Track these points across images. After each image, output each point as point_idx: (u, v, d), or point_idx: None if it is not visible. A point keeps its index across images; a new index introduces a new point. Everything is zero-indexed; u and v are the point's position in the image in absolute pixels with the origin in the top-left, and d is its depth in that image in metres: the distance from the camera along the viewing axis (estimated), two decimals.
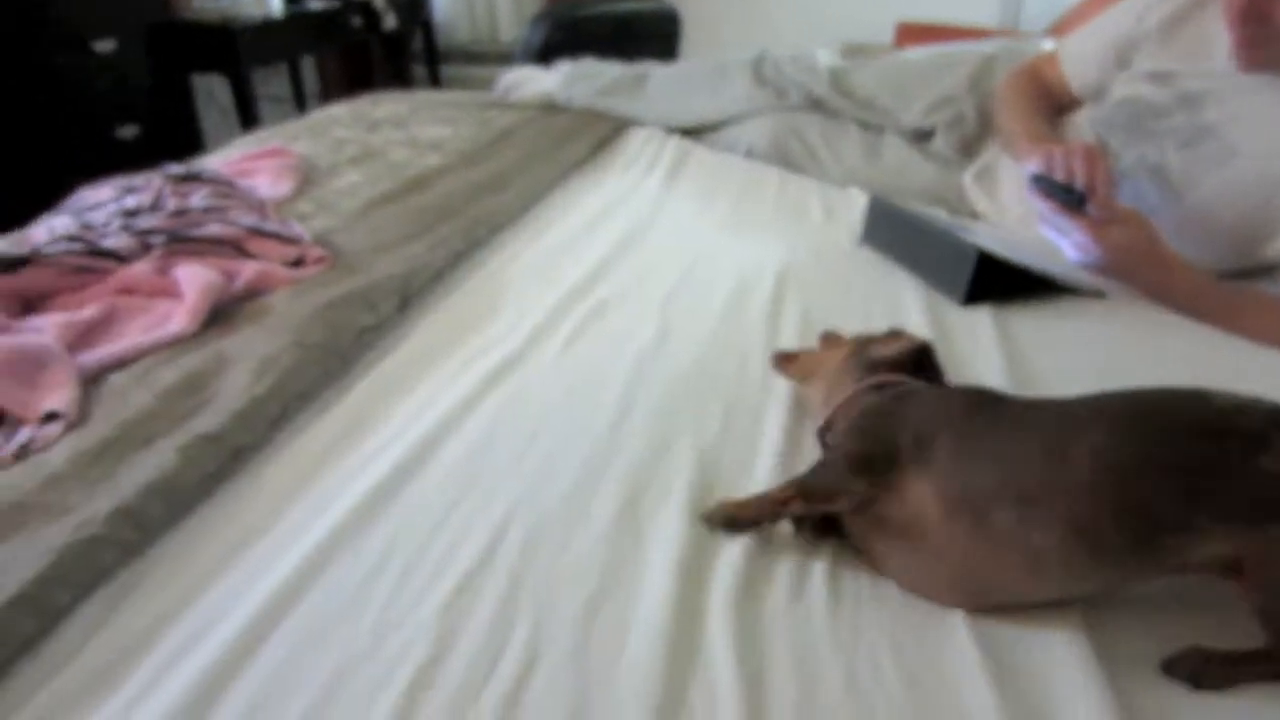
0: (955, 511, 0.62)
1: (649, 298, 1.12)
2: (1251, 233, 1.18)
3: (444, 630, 0.63)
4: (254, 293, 1.06)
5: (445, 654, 0.61)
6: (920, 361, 0.80)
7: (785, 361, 0.91)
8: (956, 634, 0.62)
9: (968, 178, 1.57)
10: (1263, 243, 1.18)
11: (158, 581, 0.68)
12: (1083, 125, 1.41)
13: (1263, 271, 1.23)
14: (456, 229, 1.26)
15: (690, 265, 1.22)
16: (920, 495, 0.64)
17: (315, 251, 1.14)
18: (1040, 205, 1.18)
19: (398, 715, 0.56)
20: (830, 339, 0.91)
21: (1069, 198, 1.13)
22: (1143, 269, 1.16)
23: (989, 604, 0.63)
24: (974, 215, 1.56)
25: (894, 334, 0.86)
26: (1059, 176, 1.18)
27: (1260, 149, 1.15)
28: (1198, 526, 0.56)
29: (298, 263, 1.13)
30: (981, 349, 1.03)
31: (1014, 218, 1.49)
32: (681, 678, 0.59)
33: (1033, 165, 1.21)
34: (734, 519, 0.71)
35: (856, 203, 1.47)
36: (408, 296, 1.09)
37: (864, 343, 0.84)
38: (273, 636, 0.63)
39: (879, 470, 0.66)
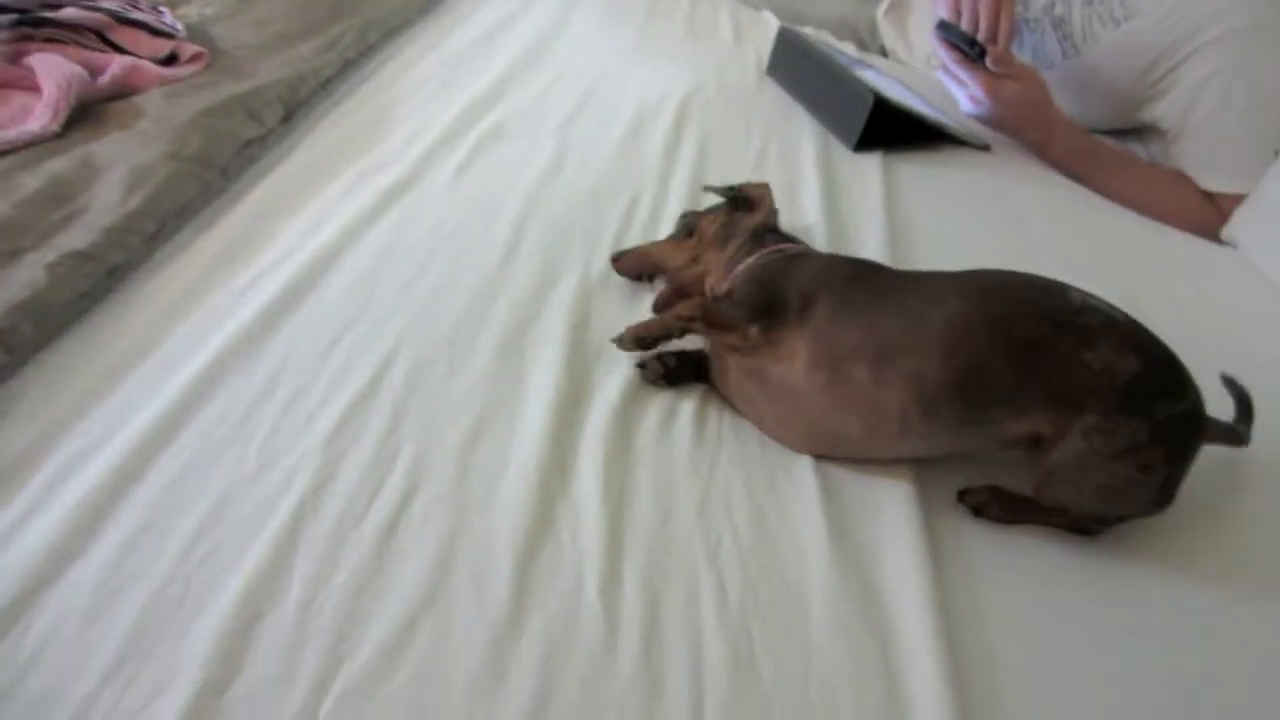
0: (819, 365, 0.67)
1: (548, 121, 1.10)
2: (1134, 95, 1.23)
3: (329, 458, 0.66)
4: (122, 92, 0.99)
5: (329, 482, 0.64)
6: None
7: (621, 259, 0.86)
8: (803, 475, 0.68)
9: (880, 11, 1.55)
10: (1141, 106, 1.23)
11: (31, 406, 0.67)
12: None
13: (1137, 133, 1.29)
14: (349, 30, 1.18)
15: (592, 87, 1.19)
16: (793, 349, 0.69)
17: (191, 48, 1.07)
18: (942, 53, 1.19)
19: (283, 540, 0.59)
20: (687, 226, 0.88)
21: (969, 50, 1.15)
22: (1030, 125, 1.20)
23: (836, 455, 0.70)
24: (883, 51, 1.56)
25: (754, 195, 0.87)
26: (965, 19, 1.18)
27: (1155, 15, 1.17)
28: (1022, 401, 0.62)
29: (171, 59, 1.05)
30: (866, 196, 1.06)
31: (920, 58, 1.50)
32: (550, 505, 0.64)
33: (942, 6, 1.21)
34: (642, 337, 0.75)
35: (768, 28, 1.44)
36: (293, 106, 1.04)
37: (733, 204, 0.86)
38: (159, 459, 0.64)
39: (773, 316, 0.70)
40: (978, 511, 0.67)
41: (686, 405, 0.74)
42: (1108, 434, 0.61)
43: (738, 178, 1.03)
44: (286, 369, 0.73)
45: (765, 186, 0.88)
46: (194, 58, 1.06)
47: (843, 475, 0.69)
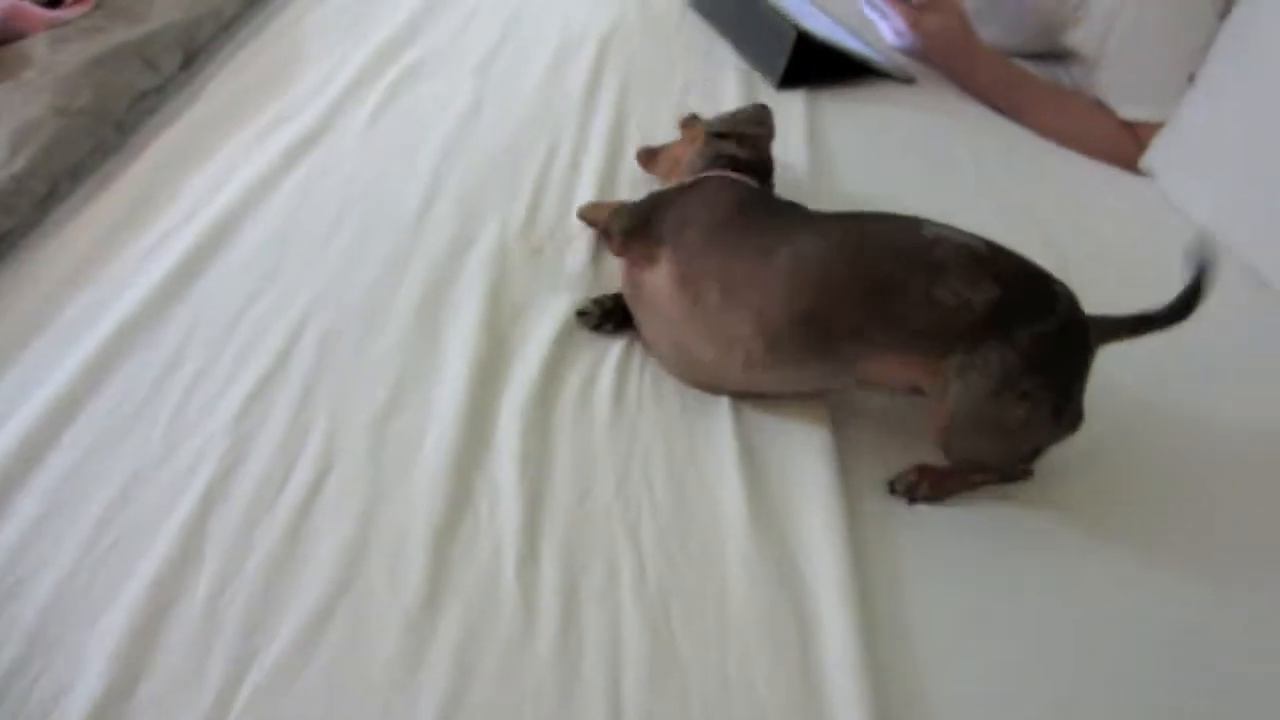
0: (681, 286, 0.69)
1: (464, 61, 1.07)
2: (1055, 19, 1.22)
3: (238, 438, 0.64)
4: (3, 36, 0.93)
5: (239, 463, 0.63)
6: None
7: (649, 159, 0.92)
8: (722, 439, 0.68)
9: None
10: (1062, 30, 1.22)
11: None
12: None
13: (1062, 58, 1.28)
14: None
15: (509, 24, 1.15)
16: (664, 269, 0.70)
17: None
18: None
19: (191, 528, 0.58)
20: (689, 124, 0.91)
21: None
22: (952, 57, 1.19)
23: (701, 381, 0.71)
24: None
25: (756, 117, 0.86)
26: None
27: None
28: (872, 341, 0.63)
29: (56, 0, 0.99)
30: (789, 135, 1.04)
31: None
32: (468, 480, 0.64)
33: None
34: (583, 216, 0.84)
35: None
36: (193, 51, 0.99)
37: (717, 135, 0.84)
38: (60, 442, 0.63)
39: (639, 236, 0.73)
40: (911, 497, 0.67)
41: (607, 367, 0.73)
42: (980, 369, 0.60)
43: (660, 120, 1.02)
44: (192, 341, 0.71)
45: (765, 114, 0.87)
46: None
47: (762, 436, 0.69)
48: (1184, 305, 0.64)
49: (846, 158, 1.04)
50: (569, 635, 0.56)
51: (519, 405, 0.69)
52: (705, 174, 0.77)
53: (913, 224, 0.65)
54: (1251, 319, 0.88)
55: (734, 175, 0.77)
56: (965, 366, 0.60)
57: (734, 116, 0.87)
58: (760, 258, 0.65)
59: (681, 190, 0.75)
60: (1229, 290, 0.89)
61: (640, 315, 0.74)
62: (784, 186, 0.95)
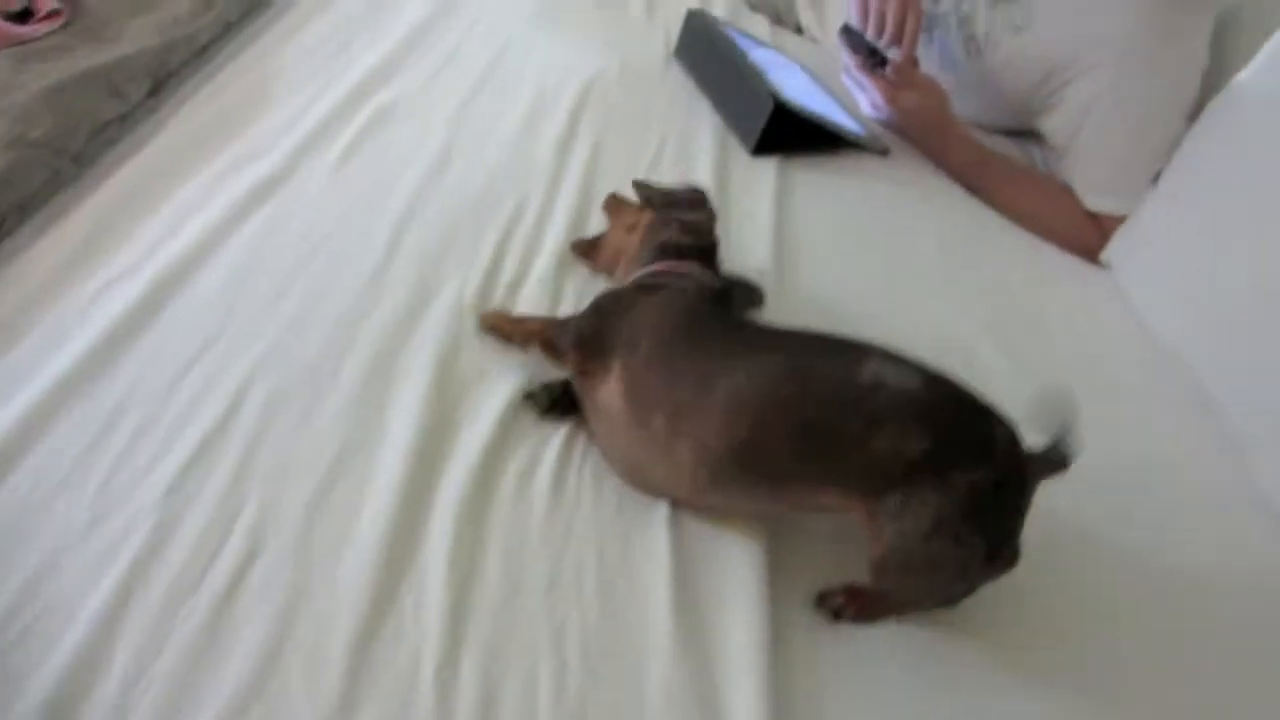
0: (631, 405, 0.69)
1: (440, 106, 1.06)
2: (1029, 104, 1.24)
3: (168, 513, 0.63)
4: None
5: (167, 540, 0.62)
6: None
7: (588, 251, 0.90)
8: (657, 544, 0.69)
9: None
10: (1037, 115, 1.24)
11: None
12: None
13: (1035, 135, 1.30)
14: None
15: (490, 67, 1.14)
16: (614, 386, 0.71)
17: (48, 2, 0.98)
18: (846, 57, 1.18)
19: (111, 610, 0.57)
20: (615, 208, 0.90)
21: (871, 59, 1.13)
22: (927, 134, 1.20)
23: (651, 491, 0.71)
24: (798, 28, 1.53)
25: (694, 200, 0.86)
26: (872, 21, 1.17)
27: (1053, 27, 1.17)
28: (810, 480, 0.64)
29: (24, 14, 0.97)
30: (757, 206, 1.05)
31: (833, 40, 1.47)
32: (398, 572, 0.63)
33: (852, 7, 1.18)
34: (494, 329, 0.80)
35: None
36: (163, 78, 0.97)
37: (660, 222, 0.83)
38: None
39: (591, 351, 0.73)
40: (836, 615, 0.67)
41: (549, 456, 0.73)
42: (915, 512, 0.61)
43: (629, 185, 1.02)
44: (133, 399, 0.70)
45: (702, 197, 0.86)
46: (51, 15, 0.97)
47: (697, 544, 0.69)
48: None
49: (812, 230, 1.04)
50: None
51: (456, 493, 0.69)
52: (654, 273, 0.77)
53: (855, 361, 0.65)
54: (1199, 445, 0.90)
55: (684, 270, 0.77)
56: (901, 509, 0.61)
57: (669, 197, 0.86)
58: (702, 390, 0.66)
59: (630, 299, 0.75)
60: (1176, 414, 0.92)
61: (592, 419, 0.74)
62: (744, 258, 0.96)
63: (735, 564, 0.69)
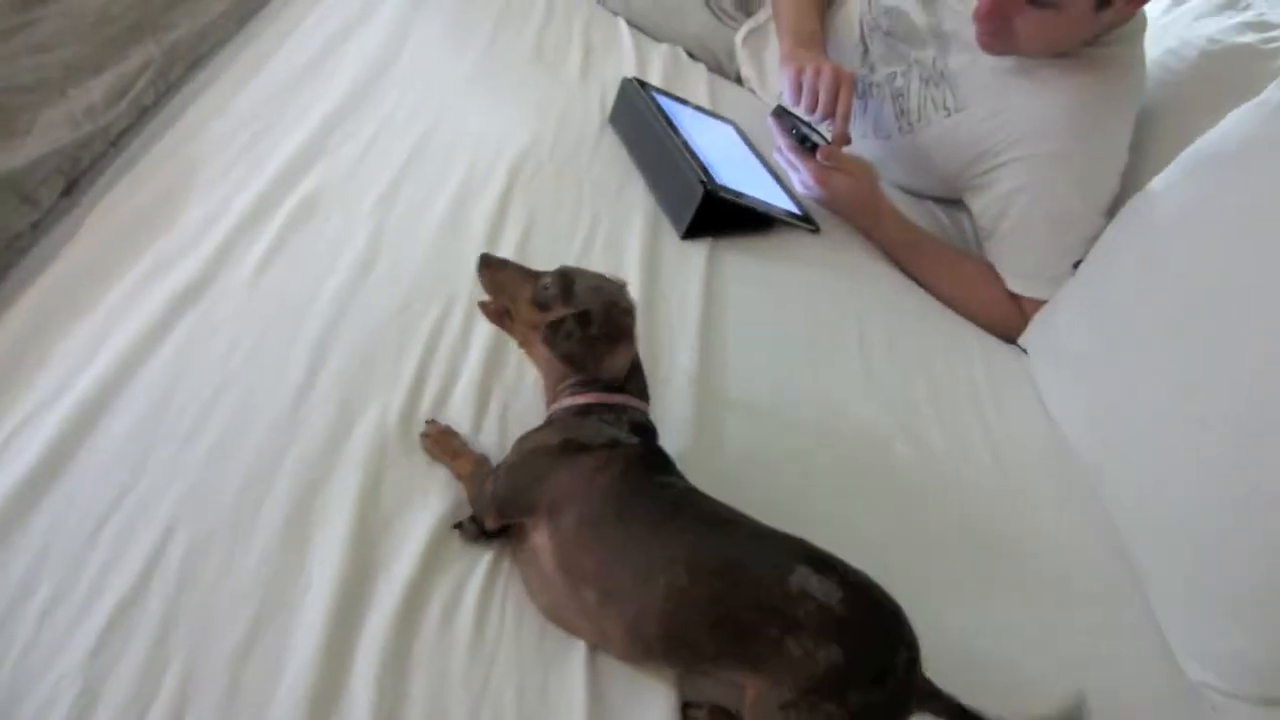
0: (561, 570, 0.72)
1: (365, 194, 1.05)
2: (958, 182, 1.28)
3: (91, 679, 0.64)
4: None
5: (89, 712, 0.62)
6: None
7: (500, 318, 0.84)
8: (573, 682, 0.72)
9: (738, 38, 1.51)
10: (965, 192, 1.28)
11: None
12: (853, 18, 1.38)
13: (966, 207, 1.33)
14: (149, 64, 1.07)
15: (420, 143, 1.14)
16: (543, 543, 0.73)
17: None
18: (777, 138, 1.20)
19: None
20: (496, 284, 0.83)
21: (802, 145, 1.15)
22: (858, 213, 1.23)
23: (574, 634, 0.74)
24: (738, 78, 1.54)
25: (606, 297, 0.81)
26: (805, 99, 1.19)
27: (979, 116, 1.20)
28: (726, 664, 0.69)
29: None
30: (688, 285, 1.07)
31: (772, 91, 1.48)
32: None
33: (786, 89, 1.20)
34: (432, 452, 0.82)
35: (619, 53, 1.39)
36: (75, 177, 0.95)
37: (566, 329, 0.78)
38: None
39: (511, 513, 0.76)
40: None
41: (472, 587, 0.75)
42: (802, 712, 0.66)
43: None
44: (48, 559, 0.69)
45: (625, 306, 0.81)
46: None
47: (612, 682, 0.73)
48: None
49: (739, 318, 1.07)
50: None
51: (378, 638, 0.70)
52: (582, 408, 0.78)
53: (785, 566, 0.69)
54: (1081, 541, 0.95)
55: (615, 403, 0.78)
56: (792, 705, 0.66)
57: (575, 292, 0.80)
58: (639, 577, 0.70)
59: (553, 459, 0.75)
60: (1064, 510, 0.97)
61: (520, 556, 0.77)
62: (671, 346, 0.97)
63: (648, 705, 0.72)
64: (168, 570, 0.71)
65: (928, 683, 0.71)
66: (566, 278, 0.81)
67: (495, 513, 0.76)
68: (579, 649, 0.73)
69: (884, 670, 0.68)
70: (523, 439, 0.79)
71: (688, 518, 0.73)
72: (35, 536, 0.70)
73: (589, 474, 0.74)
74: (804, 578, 0.68)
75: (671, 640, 0.69)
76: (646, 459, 0.77)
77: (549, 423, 0.80)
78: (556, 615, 0.74)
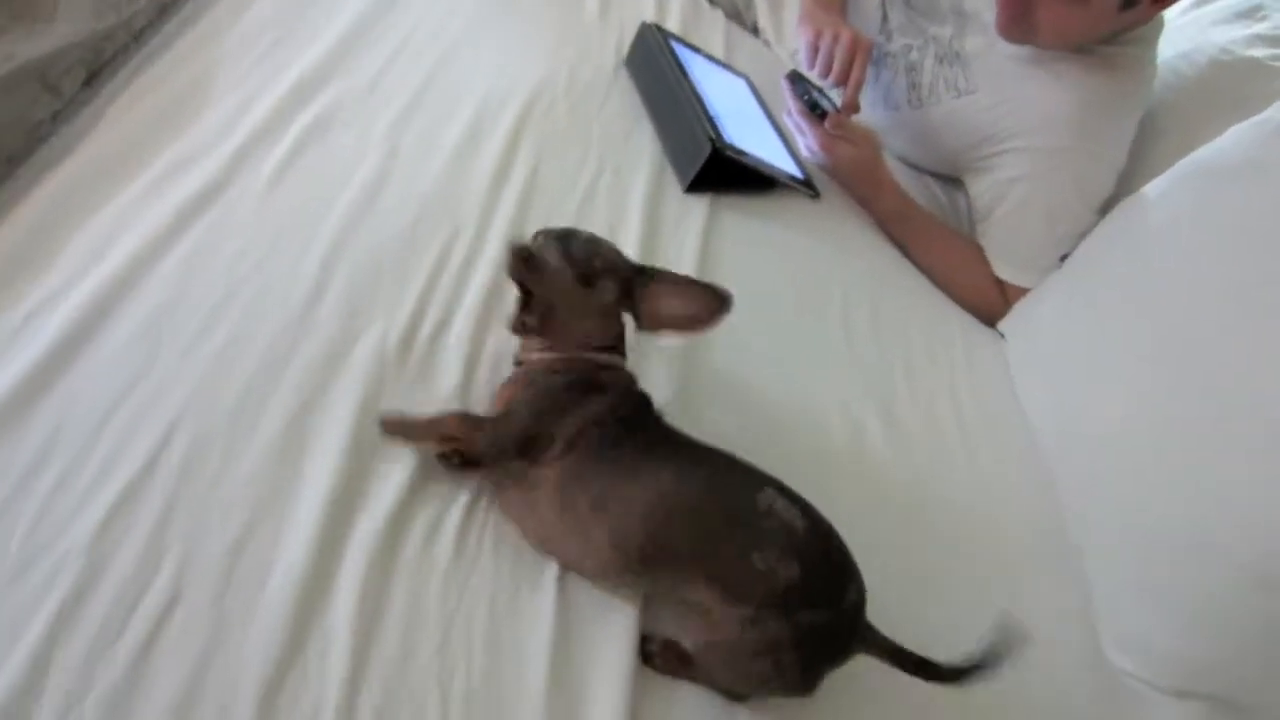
0: (560, 490, 0.77)
1: (380, 115, 1.07)
2: (960, 161, 1.30)
3: (95, 557, 0.68)
4: None
5: (92, 586, 0.66)
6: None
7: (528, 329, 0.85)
8: (543, 604, 0.77)
9: None
10: (966, 173, 1.31)
11: None
12: None
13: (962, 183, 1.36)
14: None
15: (435, 69, 1.15)
16: (550, 473, 0.78)
17: None
18: (789, 100, 1.21)
19: (37, 656, 0.62)
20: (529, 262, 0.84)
21: (812, 111, 1.17)
22: (858, 184, 1.26)
23: (554, 558, 0.79)
24: (755, 29, 1.54)
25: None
26: (820, 61, 1.20)
27: (989, 101, 1.22)
28: (694, 576, 0.74)
29: None
30: (685, 241, 1.10)
31: (787, 48, 1.49)
32: (306, 627, 0.69)
33: (802, 51, 1.22)
34: (398, 436, 0.80)
35: None
36: (98, 68, 0.96)
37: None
38: None
39: (530, 448, 0.78)
40: (647, 659, 0.77)
41: (455, 513, 0.79)
42: (756, 628, 0.71)
43: (562, 214, 1.05)
44: (59, 440, 0.73)
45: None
46: None
47: (580, 608, 0.78)
48: (959, 674, 0.75)
49: (734, 271, 1.10)
50: None
51: (366, 544, 0.75)
52: (581, 364, 0.83)
53: (755, 486, 0.75)
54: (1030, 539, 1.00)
55: (605, 362, 0.84)
56: (747, 621, 0.72)
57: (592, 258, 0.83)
58: (628, 477, 0.76)
59: (566, 398, 0.80)
60: (1018, 503, 1.02)
61: (508, 497, 0.81)
62: None
63: (611, 631, 0.77)
64: (170, 463, 0.74)
65: (872, 629, 0.76)
66: (593, 241, 0.85)
67: (516, 450, 0.78)
68: (550, 578, 0.78)
69: (834, 598, 0.73)
70: (531, 380, 0.83)
71: (679, 444, 0.80)
72: (48, 418, 0.74)
73: (601, 409, 0.79)
74: (771, 498, 0.74)
75: (651, 546, 0.74)
76: (644, 403, 0.83)
77: (554, 371, 0.83)
78: (544, 537, 0.79)
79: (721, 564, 0.73)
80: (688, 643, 0.76)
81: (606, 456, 0.77)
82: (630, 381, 0.85)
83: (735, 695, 0.79)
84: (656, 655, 0.77)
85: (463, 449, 0.80)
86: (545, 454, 0.78)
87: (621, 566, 0.76)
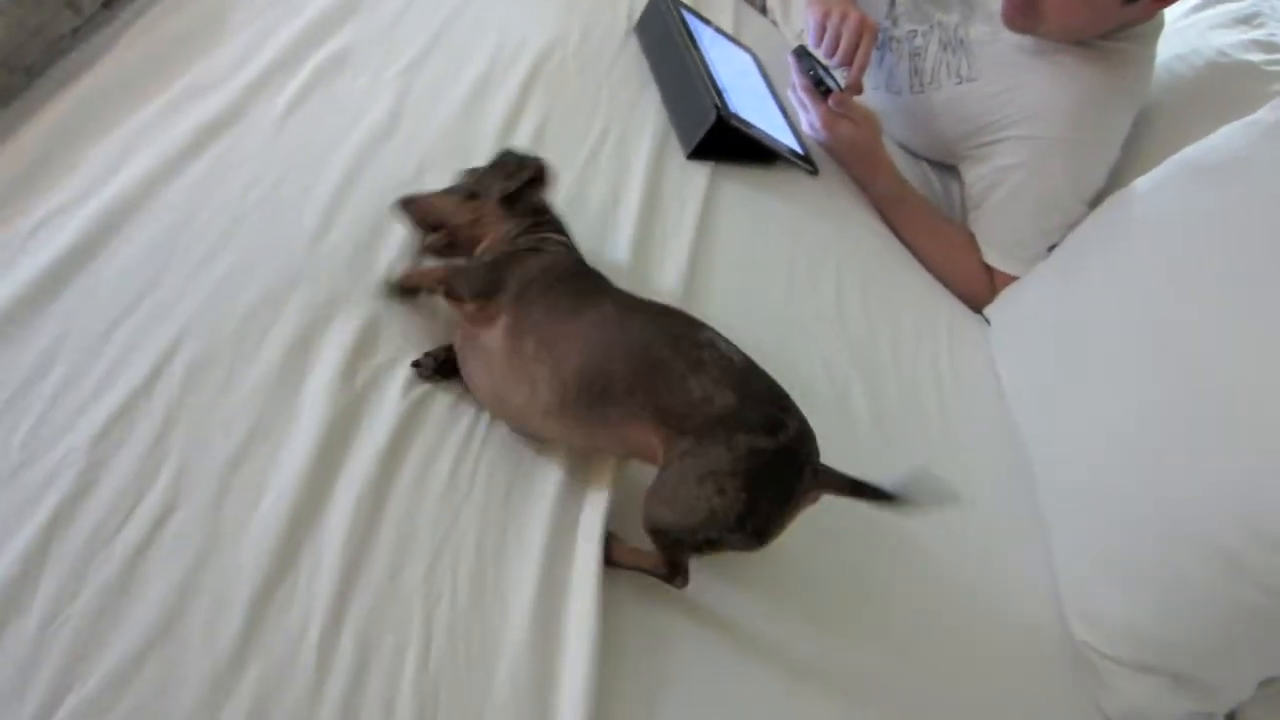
0: (509, 337, 0.80)
1: (393, 59, 1.08)
2: (957, 148, 1.33)
3: (94, 461, 0.69)
4: None
5: (90, 488, 0.68)
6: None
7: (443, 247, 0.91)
8: (532, 539, 0.79)
9: None
10: (961, 160, 1.34)
11: None
12: None
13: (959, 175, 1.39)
14: None
15: (449, 19, 1.16)
16: (501, 324, 0.81)
17: None
18: (794, 76, 1.24)
19: (34, 551, 0.64)
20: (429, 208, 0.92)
21: (816, 88, 1.19)
22: (857, 163, 1.28)
23: (507, 421, 0.84)
24: (763, 9, 1.56)
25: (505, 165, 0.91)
26: (827, 40, 1.22)
27: (989, 89, 1.25)
28: (633, 411, 0.76)
29: None
30: (685, 208, 1.12)
31: (794, 28, 1.51)
32: (298, 541, 0.71)
33: (809, 28, 1.24)
34: (403, 287, 0.88)
35: None
36: None
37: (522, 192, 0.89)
38: None
39: (487, 298, 0.83)
40: (607, 561, 0.79)
41: (451, 442, 0.82)
42: (696, 457, 0.73)
43: (566, 172, 1.07)
44: (65, 345, 0.74)
45: (541, 163, 0.91)
46: None
47: (569, 542, 0.80)
48: (891, 497, 0.77)
49: (729, 245, 1.12)
50: (348, 708, 0.66)
51: (361, 467, 0.77)
52: (536, 236, 0.87)
53: (695, 325, 0.80)
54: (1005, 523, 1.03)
55: (549, 236, 0.88)
56: (688, 452, 0.74)
57: (493, 176, 0.90)
58: (572, 317, 0.80)
59: (520, 257, 0.85)
60: (993, 484, 1.05)
61: (469, 366, 0.84)
62: (658, 264, 1.03)
63: (591, 559, 0.79)
64: (172, 376, 0.76)
65: (827, 469, 0.77)
66: (475, 170, 0.92)
67: (476, 296, 0.83)
68: (543, 505, 0.81)
69: (774, 424, 0.74)
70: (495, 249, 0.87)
71: (621, 293, 0.84)
72: (55, 321, 0.75)
73: (548, 262, 0.84)
74: (712, 335, 0.79)
75: (593, 377, 0.76)
76: (584, 263, 0.88)
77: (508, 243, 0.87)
78: (493, 394, 0.82)
79: (660, 393, 0.75)
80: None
81: (550, 300, 0.81)
82: (571, 246, 0.89)
83: (669, 572, 0.78)
84: (611, 550, 0.79)
85: (447, 287, 0.85)
86: (500, 297, 0.81)
87: (565, 408, 0.78)
